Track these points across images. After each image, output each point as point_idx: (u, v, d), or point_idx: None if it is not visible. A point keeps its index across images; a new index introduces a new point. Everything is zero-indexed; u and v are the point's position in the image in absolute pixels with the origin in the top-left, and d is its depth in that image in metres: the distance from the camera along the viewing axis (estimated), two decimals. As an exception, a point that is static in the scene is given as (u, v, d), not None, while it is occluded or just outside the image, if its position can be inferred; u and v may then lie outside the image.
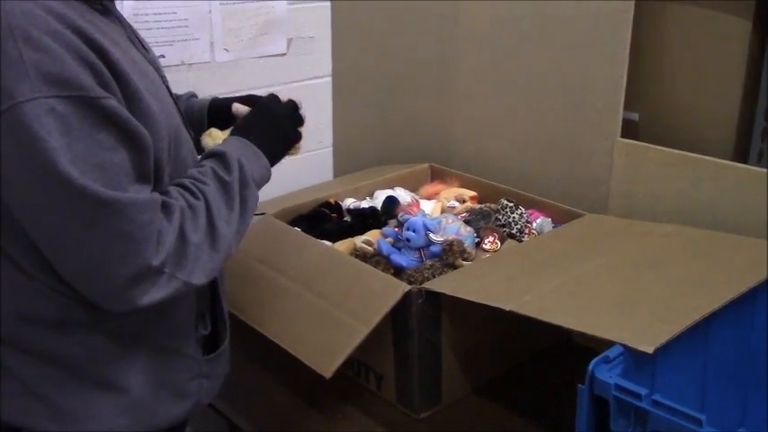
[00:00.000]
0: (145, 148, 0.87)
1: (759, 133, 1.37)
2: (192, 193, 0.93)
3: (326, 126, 2.08)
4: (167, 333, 1.01)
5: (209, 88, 1.77)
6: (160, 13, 1.65)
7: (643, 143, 1.48)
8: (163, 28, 1.66)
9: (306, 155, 2.04)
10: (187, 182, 0.95)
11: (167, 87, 1.04)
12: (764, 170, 1.32)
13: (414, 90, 1.88)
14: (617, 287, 1.13)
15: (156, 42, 1.65)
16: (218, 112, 1.22)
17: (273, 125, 1.11)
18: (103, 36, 0.86)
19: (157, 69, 1.03)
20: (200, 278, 0.91)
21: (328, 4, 1.95)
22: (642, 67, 1.50)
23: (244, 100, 1.21)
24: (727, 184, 1.35)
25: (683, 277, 1.14)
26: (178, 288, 0.89)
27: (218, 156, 1.00)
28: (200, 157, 1.06)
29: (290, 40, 1.90)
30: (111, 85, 0.84)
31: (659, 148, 1.45)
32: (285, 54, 1.91)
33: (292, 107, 1.15)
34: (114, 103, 0.83)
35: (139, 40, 1.04)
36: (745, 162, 1.40)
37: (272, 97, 1.15)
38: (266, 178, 1.05)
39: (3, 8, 0.77)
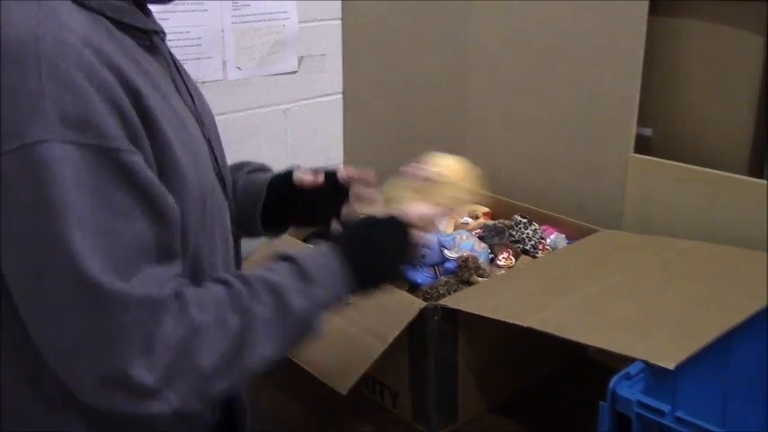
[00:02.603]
0: (168, 220, 0.74)
1: (774, 147, 1.38)
2: (236, 308, 0.77)
3: (337, 143, 2.09)
4: (165, 421, 0.81)
5: (221, 106, 1.78)
6: (173, 32, 1.66)
7: (657, 159, 1.47)
8: (176, 47, 1.66)
9: (317, 172, 2.06)
10: (239, 288, 0.79)
11: (210, 142, 0.93)
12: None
13: (425, 107, 1.88)
14: (636, 303, 1.13)
15: (170, 61, 1.67)
16: (281, 186, 1.06)
17: (388, 259, 0.91)
18: (144, 77, 0.77)
19: (201, 124, 0.91)
20: (193, 406, 0.75)
21: (339, 22, 1.96)
22: (655, 82, 1.50)
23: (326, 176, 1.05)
24: (743, 199, 1.35)
25: (702, 293, 1.14)
26: (162, 411, 0.72)
27: (309, 281, 0.82)
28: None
29: (301, 58, 1.91)
30: (141, 135, 0.73)
31: (673, 163, 1.45)
32: (296, 72, 1.92)
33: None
34: (139, 160, 0.72)
35: (187, 87, 0.93)
36: (760, 177, 1.39)
37: (403, 220, 0.93)
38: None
39: (36, 33, 0.69)
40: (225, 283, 0.79)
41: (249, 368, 0.78)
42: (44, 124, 0.66)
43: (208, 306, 0.76)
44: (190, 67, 1.69)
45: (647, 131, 1.55)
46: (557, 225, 1.55)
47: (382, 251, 0.90)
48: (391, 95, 1.95)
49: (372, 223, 0.92)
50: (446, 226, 1.58)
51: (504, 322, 1.12)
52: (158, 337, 0.71)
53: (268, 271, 0.82)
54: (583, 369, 1.43)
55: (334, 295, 0.86)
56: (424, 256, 1.38)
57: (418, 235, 0.93)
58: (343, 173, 1.06)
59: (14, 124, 0.67)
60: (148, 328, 0.71)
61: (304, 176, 1.04)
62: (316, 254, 0.86)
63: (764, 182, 1.35)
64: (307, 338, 0.85)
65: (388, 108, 1.97)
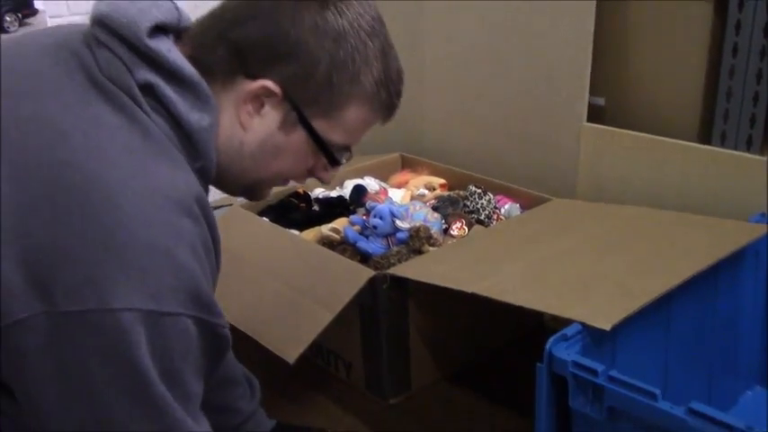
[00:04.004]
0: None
1: (721, 115, 1.38)
2: None
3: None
4: None
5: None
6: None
7: (609, 128, 1.48)
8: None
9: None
10: None
11: None
12: (727, 151, 1.34)
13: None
14: (579, 268, 1.14)
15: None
16: None
17: None
18: None
19: None
20: None
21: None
22: (607, 52, 1.50)
23: None
24: (692, 165, 1.36)
25: (645, 257, 1.15)
26: None
27: None
28: None
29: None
30: None
31: (625, 131, 1.45)
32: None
33: None
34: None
35: None
36: (708, 143, 1.40)
37: None
38: None
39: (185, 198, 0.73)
40: None
41: None
42: (176, 296, 0.69)
43: None
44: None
45: (600, 101, 1.55)
46: (511, 195, 1.55)
47: None
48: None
49: None
50: (401, 198, 1.58)
51: (454, 291, 1.12)
52: None
53: None
54: (539, 338, 1.43)
55: None
56: (375, 227, 1.38)
57: None
58: None
59: (157, 289, 0.68)
60: None
61: None
62: None
63: (713, 148, 1.36)
64: None
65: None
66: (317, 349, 1.40)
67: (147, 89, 0.75)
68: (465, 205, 1.52)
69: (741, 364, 1.26)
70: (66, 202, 0.67)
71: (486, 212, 1.49)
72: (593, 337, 0.95)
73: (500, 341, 1.43)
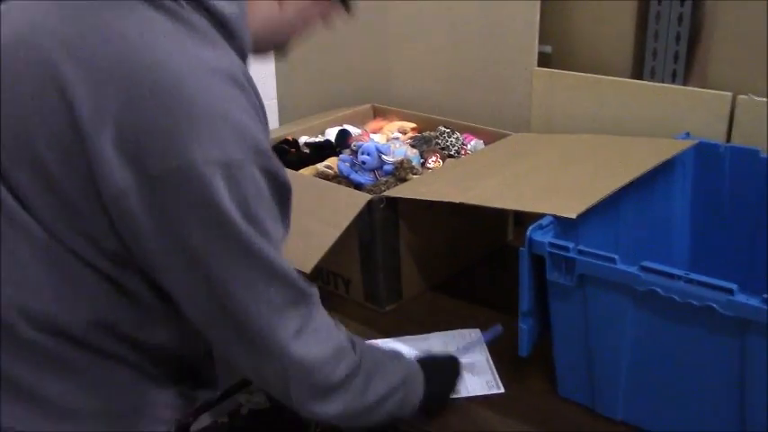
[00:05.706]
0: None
1: (650, 53, 1.63)
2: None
3: (270, 79, 2.25)
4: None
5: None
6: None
7: (556, 71, 1.72)
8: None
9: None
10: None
11: None
12: (657, 84, 1.60)
13: (351, 40, 2.06)
14: (545, 179, 1.37)
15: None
16: None
17: (448, 394, 1.20)
18: None
19: None
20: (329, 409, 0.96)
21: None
22: (552, 6, 1.74)
23: None
24: (627, 97, 1.61)
25: (596, 167, 1.38)
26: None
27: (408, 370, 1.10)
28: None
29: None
30: None
31: (570, 73, 1.70)
32: (230, 13, 2.06)
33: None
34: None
35: None
36: (640, 78, 1.66)
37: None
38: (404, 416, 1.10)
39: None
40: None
41: (372, 392, 1.02)
42: (240, 147, 0.85)
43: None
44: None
45: (548, 48, 1.79)
46: (475, 133, 1.78)
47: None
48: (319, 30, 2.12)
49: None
50: (380, 139, 1.79)
51: (439, 211, 1.34)
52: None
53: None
54: (504, 254, 1.68)
55: (410, 408, 1.10)
56: (364, 163, 1.59)
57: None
58: None
59: (216, 141, 0.84)
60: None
61: None
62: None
63: (644, 82, 1.62)
64: (383, 414, 1.05)
65: (317, 42, 2.13)
66: (318, 272, 1.59)
67: None
68: (437, 143, 1.73)
69: (675, 257, 1.53)
70: (141, 90, 0.83)
71: (456, 148, 1.72)
72: (563, 226, 1.18)
73: (474, 257, 1.66)
